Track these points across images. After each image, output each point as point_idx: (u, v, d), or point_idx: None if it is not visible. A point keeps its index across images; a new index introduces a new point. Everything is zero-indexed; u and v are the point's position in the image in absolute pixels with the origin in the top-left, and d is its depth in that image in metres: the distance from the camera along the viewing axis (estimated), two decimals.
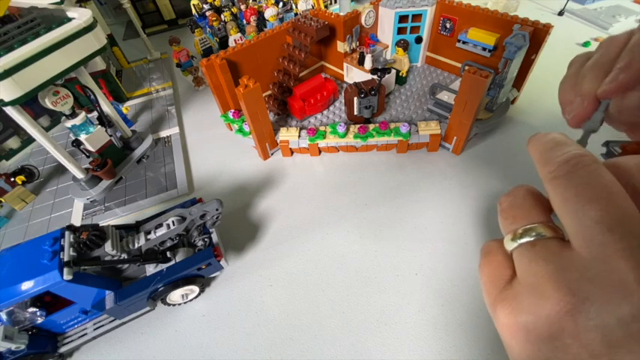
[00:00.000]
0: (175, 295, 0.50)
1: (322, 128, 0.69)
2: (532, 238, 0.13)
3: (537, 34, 0.64)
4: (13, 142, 0.80)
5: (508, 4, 1.05)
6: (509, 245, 0.14)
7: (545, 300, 0.11)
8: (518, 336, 0.12)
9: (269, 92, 0.79)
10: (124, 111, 0.84)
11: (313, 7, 0.94)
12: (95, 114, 0.67)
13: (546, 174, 0.13)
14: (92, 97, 0.64)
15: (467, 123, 0.63)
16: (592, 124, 0.18)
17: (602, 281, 0.11)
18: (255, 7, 0.94)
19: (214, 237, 0.52)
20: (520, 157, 0.67)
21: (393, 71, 0.76)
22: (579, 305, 0.11)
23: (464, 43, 0.75)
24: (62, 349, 0.47)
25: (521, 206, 0.14)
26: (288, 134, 0.70)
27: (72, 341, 0.47)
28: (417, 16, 0.77)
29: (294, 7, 0.96)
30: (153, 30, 1.30)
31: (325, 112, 0.78)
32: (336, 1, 1.11)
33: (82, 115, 0.63)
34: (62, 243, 0.41)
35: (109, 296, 0.45)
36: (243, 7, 0.95)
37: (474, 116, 0.61)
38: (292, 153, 0.73)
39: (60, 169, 0.75)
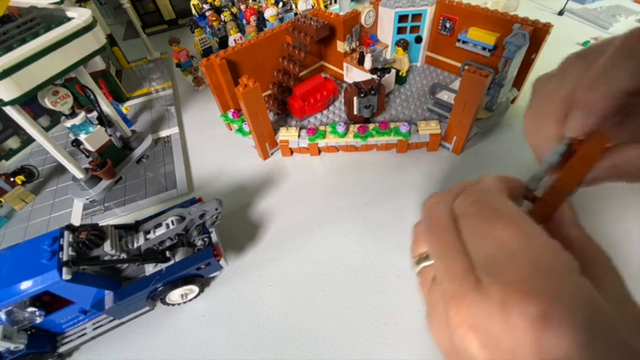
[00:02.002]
0: (175, 295, 0.50)
1: (322, 128, 0.69)
2: (429, 263, 0.15)
3: (537, 34, 0.64)
4: (12, 142, 0.80)
5: (508, 4, 1.05)
6: (415, 268, 0.16)
7: (430, 318, 0.14)
8: (440, 349, 0.14)
9: (269, 92, 0.79)
10: (124, 111, 0.84)
11: (313, 7, 0.94)
12: (95, 114, 0.67)
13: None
14: (92, 97, 0.64)
15: (467, 122, 0.63)
16: (552, 156, 0.18)
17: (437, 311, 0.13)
18: (255, 7, 0.94)
19: (214, 237, 0.52)
20: (520, 156, 0.67)
21: (393, 71, 0.76)
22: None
23: (464, 42, 0.75)
24: (61, 349, 0.47)
25: (419, 235, 0.16)
26: (287, 134, 0.70)
27: (71, 341, 0.47)
28: (416, 16, 0.77)
29: (294, 7, 0.96)
30: (153, 30, 1.30)
31: (325, 111, 0.78)
32: (335, 1, 1.11)
33: (82, 115, 0.63)
34: (61, 243, 0.41)
35: (109, 296, 0.45)
36: (243, 7, 0.95)
37: (473, 116, 0.61)
38: (292, 153, 0.73)
39: (60, 169, 0.75)
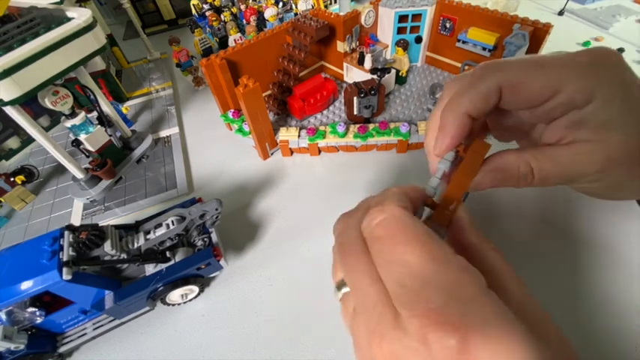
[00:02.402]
0: (175, 295, 0.50)
1: (322, 128, 0.69)
2: (345, 290, 0.16)
3: (537, 34, 0.64)
4: (12, 142, 0.80)
5: (508, 4, 1.05)
6: (337, 295, 0.17)
7: (355, 345, 0.15)
8: None
9: (269, 92, 0.79)
10: (124, 111, 0.84)
11: (313, 7, 0.94)
12: (95, 114, 0.67)
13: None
14: (92, 97, 0.64)
15: None
16: (443, 163, 0.21)
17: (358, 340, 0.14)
18: (255, 7, 0.94)
19: (214, 237, 0.52)
20: None
21: (393, 71, 0.76)
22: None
23: (464, 42, 0.75)
24: (61, 349, 0.47)
25: (335, 261, 0.16)
26: (287, 134, 0.70)
27: (71, 341, 0.47)
28: (416, 16, 0.77)
29: (294, 7, 0.96)
30: (153, 30, 1.30)
31: (325, 111, 0.78)
32: (335, 1, 1.11)
33: (82, 115, 0.63)
34: (61, 243, 0.41)
35: (109, 296, 0.45)
36: (243, 7, 0.95)
37: None
38: (292, 153, 0.73)
39: (60, 169, 0.75)
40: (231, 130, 0.79)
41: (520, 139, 0.27)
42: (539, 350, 0.11)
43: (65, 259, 0.39)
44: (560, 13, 1.09)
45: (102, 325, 0.48)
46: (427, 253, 0.13)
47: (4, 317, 0.41)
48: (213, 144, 0.79)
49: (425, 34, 0.80)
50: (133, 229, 0.51)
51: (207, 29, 1.00)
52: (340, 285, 0.15)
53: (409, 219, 0.14)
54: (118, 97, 0.92)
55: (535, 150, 0.22)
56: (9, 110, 0.51)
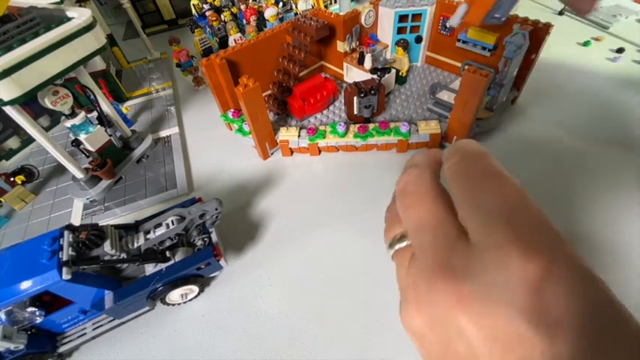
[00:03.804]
0: (175, 295, 0.50)
1: (322, 128, 0.69)
2: (403, 245, 0.14)
3: (537, 34, 0.63)
4: (12, 142, 0.80)
5: None
6: (388, 253, 0.15)
7: (409, 302, 0.13)
8: (414, 339, 0.13)
9: (269, 92, 0.79)
10: (124, 111, 0.84)
11: (313, 7, 0.94)
12: (95, 114, 0.67)
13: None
14: (92, 97, 0.64)
15: (467, 122, 0.63)
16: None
17: (424, 282, 0.12)
18: (255, 7, 0.94)
19: (214, 236, 0.51)
20: (519, 155, 0.67)
21: (393, 71, 0.76)
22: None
23: (464, 42, 0.75)
24: (61, 349, 0.47)
25: (390, 216, 0.15)
26: (287, 134, 0.70)
27: (71, 341, 0.47)
28: (416, 16, 0.77)
29: (294, 7, 0.96)
30: (153, 30, 1.30)
31: (325, 111, 0.77)
32: (335, 1, 1.11)
33: (82, 114, 0.63)
34: (61, 242, 0.41)
35: (108, 296, 0.45)
36: (243, 7, 0.95)
37: (473, 115, 0.61)
38: (292, 153, 0.73)
39: (60, 169, 0.75)
40: (231, 130, 0.79)
41: None
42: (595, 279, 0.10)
43: (65, 258, 0.39)
44: (560, 13, 1.09)
45: (102, 325, 0.48)
46: (516, 186, 0.12)
47: (3, 317, 0.41)
48: (213, 144, 0.79)
49: (425, 33, 0.80)
50: (132, 229, 0.50)
51: (207, 29, 1.00)
52: (394, 242, 0.15)
53: (496, 161, 0.14)
54: (118, 97, 0.92)
55: None
56: (9, 110, 0.51)
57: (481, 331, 0.10)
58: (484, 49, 0.71)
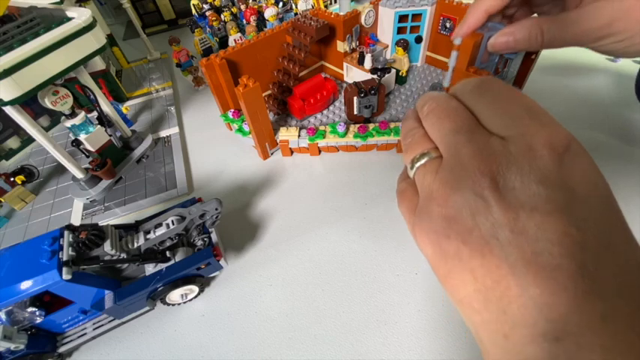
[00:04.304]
0: (175, 295, 0.50)
1: (322, 128, 0.69)
2: (424, 160, 0.16)
3: None
4: (13, 142, 0.80)
5: None
6: (411, 173, 0.17)
7: (433, 201, 0.15)
8: (427, 243, 0.15)
9: (269, 92, 0.79)
10: (124, 111, 0.84)
11: (313, 7, 0.94)
12: (95, 114, 0.67)
13: (421, 116, 0.18)
14: (92, 97, 0.64)
15: None
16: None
17: (457, 171, 0.14)
18: (255, 6, 0.94)
19: (214, 237, 0.51)
20: None
21: (393, 71, 0.76)
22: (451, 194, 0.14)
23: None
24: (61, 349, 0.47)
25: (413, 140, 0.18)
26: (287, 134, 0.70)
27: (71, 341, 0.47)
28: (416, 16, 0.77)
29: (294, 6, 0.96)
30: (153, 30, 1.30)
31: (325, 111, 0.78)
32: (335, 1, 1.11)
33: (82, 114, 0.63)
34: (61, 242, 0.41)
35: (108, 296, 0.45)
36: (243, 7, 0.95)
37: None
38: (292, 153, 0.73)
39: (60, 169, 0.75)
40: (231, 130, 0.79)
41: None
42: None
43: (65, 258, 0.39)
44: None
45: (102, 325, 0.48)
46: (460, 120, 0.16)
47: (4, 317, 0.41)
48: (213, 144, 0.79)
49: (425, 33, 0.80)
50: (132, 229, 0.50)
51: (207, 29, 1.00)
52: (414, 161, 0.17)
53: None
54: (118, 97, 0.92)
55: (547, 16, 0.27)
56: (9, 110, 0.51)
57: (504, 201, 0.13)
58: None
